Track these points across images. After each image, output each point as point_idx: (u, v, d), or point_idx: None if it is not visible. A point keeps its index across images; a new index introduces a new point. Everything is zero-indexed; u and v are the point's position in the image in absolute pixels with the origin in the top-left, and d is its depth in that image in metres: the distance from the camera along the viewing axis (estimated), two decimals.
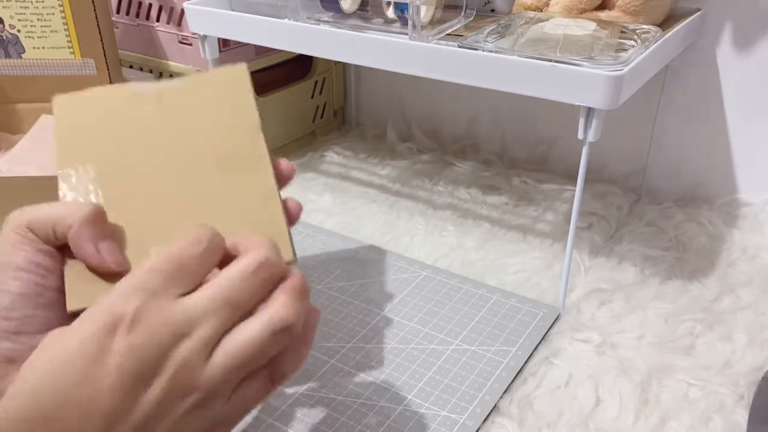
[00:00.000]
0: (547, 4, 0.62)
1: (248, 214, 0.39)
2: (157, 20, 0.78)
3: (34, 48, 0.76)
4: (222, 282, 0.32)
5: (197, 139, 0.43)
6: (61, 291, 0.39)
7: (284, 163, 0.41)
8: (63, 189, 0.45)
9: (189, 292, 0.32)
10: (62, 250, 0.40)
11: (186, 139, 0.43)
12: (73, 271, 0.39)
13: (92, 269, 0.39)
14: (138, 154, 0.43)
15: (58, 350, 0.30)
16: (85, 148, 0.44)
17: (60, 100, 0.46)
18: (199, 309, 0.31)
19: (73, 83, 0.78)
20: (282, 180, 0.41)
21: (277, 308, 0.32)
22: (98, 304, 0.31)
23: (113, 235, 0.40)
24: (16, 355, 0.37)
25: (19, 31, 0.75)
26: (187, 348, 0.30)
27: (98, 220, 0.40)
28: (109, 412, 0.29)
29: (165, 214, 0.41)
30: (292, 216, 0.40)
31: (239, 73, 0.44)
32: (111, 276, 0.38)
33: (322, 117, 0.91)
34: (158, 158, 0.43)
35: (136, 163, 0.43)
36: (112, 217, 0.41)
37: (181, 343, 0.30)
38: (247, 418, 0.45)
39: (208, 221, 0.38)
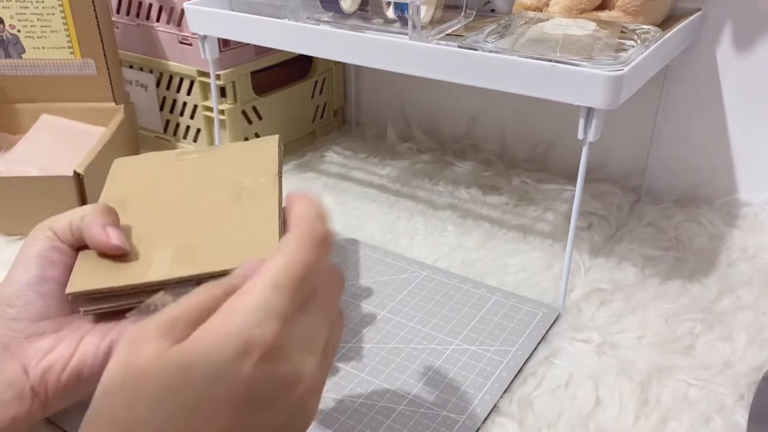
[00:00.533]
0: (547, 4, 0.62)
1: (249, 231, 0.44)
2: (157, 20, 0.78)
3: (34, 48, 0.76)
4: (328, 302, 0.33)
5: (221, 181, 0.49)
6: (63, 284, 0.41)
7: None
8: None
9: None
10: (79, 250, 0.43)
11: (211, 180, 0.49)
12: (84, 260, 0.43)
13: (102, 256, 0.42)
14: (167, 189, 0.49)
15: (176, 375, 0.27)
16: (125, 188, 0.50)
17: (117, 162, 0.54)
18: (318, 331, 0.31)
19: (73, 83, 0.78)
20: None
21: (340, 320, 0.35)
22: (223, 326, 0.28)
23: (127, 235, 0.43)
24: (10, 341, 0.40)
25: (19, 31, 0.75)
26: (313, 374, 0.30)
27: (108, 212, 0.43)
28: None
29: (177, 227, 0.45)
30: None
31: (272, 140, 0.52)
32: (117, 267, 0.42)
33: (322, 117, 0.91)
34: (184, 192, 0.49)
35: (164, 194, 0.49)
36: (133, 230, 0.45)
37: (309, 367, 0.30)
38: None
39: (213, 234, 0.44)
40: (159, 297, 0.39)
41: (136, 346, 0.28)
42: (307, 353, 0.30)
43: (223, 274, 0.37)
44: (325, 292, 0.32)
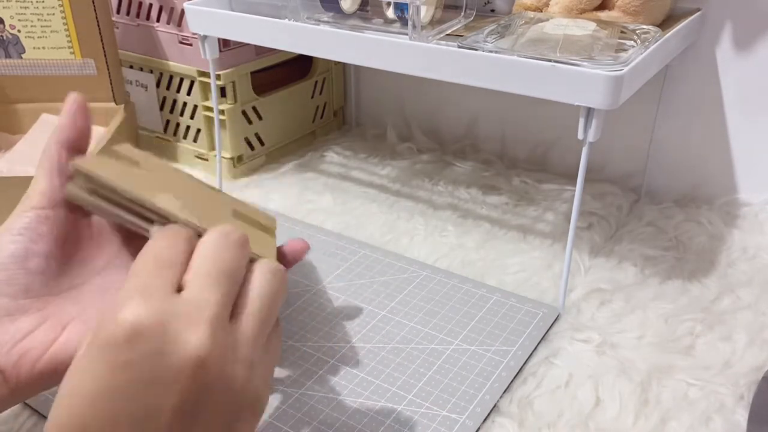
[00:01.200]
0: (547, 4, 0.62)
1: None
2: (157, 20, 0.78)
3: (34, 48, 0.76)
4: (257, 290, 0.32)
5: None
6: (51, 258, 0.38)
7: (298, 243, 0.41)
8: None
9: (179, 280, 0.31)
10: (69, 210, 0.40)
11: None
12: (104, 154, 0.40)
13: (119, 164, 0.39)
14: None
15: (73, 374, 0.29)
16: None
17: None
18: (199, 298, 0.30)
19: (73, 83, 0.78)
20: (291, 258, 0.41)
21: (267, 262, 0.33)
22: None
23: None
24: None
25: (19, 31, 0.75)
26: (202, 334, 0.29)
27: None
28: (140, 421, 0.28)
29: (177, 194, 0.39)
30: (296, 254, 0.40)
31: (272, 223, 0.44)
32: (130, 177, 0.38)
33: (322, 117, 0.91)
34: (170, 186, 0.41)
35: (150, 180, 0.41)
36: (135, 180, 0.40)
37: (195, 331, 0.29)
38: None
39: (216, 213, 0.39)
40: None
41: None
42: (191, 323, 0.29)
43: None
44: (210, 261, 0.32)
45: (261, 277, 0.32)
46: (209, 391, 0.29)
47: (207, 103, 0.77)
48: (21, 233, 0.38)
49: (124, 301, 0.28)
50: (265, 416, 0.46)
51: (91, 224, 0.41)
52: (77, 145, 0.41)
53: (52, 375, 0.37)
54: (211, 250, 0.32)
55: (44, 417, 0.46)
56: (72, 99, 0.41)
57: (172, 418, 0.28)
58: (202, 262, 0.31)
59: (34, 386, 0.37)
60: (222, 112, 0.76)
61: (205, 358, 0.29)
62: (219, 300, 0.30)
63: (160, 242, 0.31)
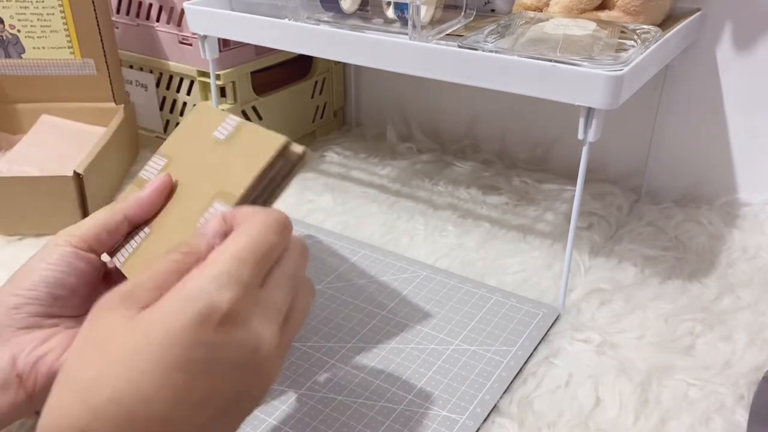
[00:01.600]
0: (547, 4, 0.62)
1: (240, 151, 0.46)
2: (157, 20, 0.78)
3: (34, 48, 0.76)
4: (289, 269, 0.34)
5: (192, 157, 0.48)
6: (78, 295, 0.42)
7: None
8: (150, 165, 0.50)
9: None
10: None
11: (185, 163, 0.48)
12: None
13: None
14: (187, 161, 0.49)
15: (138, 339, 0.28)
16: (171, 148, 0.50)
17: (200, 106, 0.52)
18: (278, 302, 0.33)
19: (73, 83, 0.78)
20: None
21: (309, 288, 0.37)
22: (183, 291, 0.29)
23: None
24: (3, 329, 0.40)
25: (19, 31, 0.75)
26: (274, 343, 0.31)
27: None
28: (201, 401, 0.29)
29: (191, 199, 0.45)
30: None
31: (204, 107, 0.51)
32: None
33: (322, 117, 0.91)
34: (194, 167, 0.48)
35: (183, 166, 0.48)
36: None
37: (270, 336, 0.31)
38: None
39: (216, 178, 0.44)
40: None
41: (101, 314, 0.30)
42: (267, 321, 0.31)
43: (252, 193, 0.42)
44: (288, 264, 0.34)
45: (305, 297, 0.36)
46: (258, 384, 0.31)
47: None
48: (55, 263, 0.42)
49: (220, 285, 0.30)
50: (265, 416, 0.46)
51: (110, 272, 0.46)
52: (137, 222, 0.45)
53: None
54: (293, 259, 0.34)
55: None
56: (163, 181, 0.45)
57: (225, 403, 0.30)
58: (285, 267, 0.34)
59: (44, 391, 0.38)
60: None
61: (269, 356, 0.31)
62: (285, 304, 0.33)
63: (260, 234, 0.33)
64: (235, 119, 0.50)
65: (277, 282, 0.33)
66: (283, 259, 0.34)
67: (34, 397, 0.39)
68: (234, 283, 0.30)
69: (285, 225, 0.34)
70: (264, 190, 0.44)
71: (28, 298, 0.41)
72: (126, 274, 0.44)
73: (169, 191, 0.46)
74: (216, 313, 0.29)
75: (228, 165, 0.46)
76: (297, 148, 0.45)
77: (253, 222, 0.33)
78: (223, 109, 0.52)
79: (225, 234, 0.34)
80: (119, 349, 0.28)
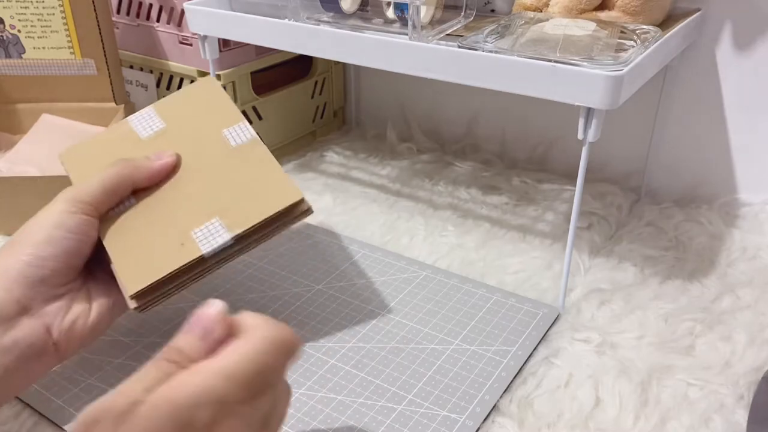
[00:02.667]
0: (546, 5, 0.62)
1: (258, 179, 0.48)
2: (158, 20, 0.78)
3: (34, 48, 0.76)
4: (282, 397, 0.36)
5: (195, 139, 0.50)
6: (87, 259, 0.46)
7: None
8: None
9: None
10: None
11: (186, 141, 0.50)
12: (120, 259, 0.46)
13: (134, 250, 0.46)
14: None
15: None
16: (170, 115, 0.53)
17: (67, 153, 0.54)
18: (262, 409, 0.33)
19: (73, 83, 0.78)
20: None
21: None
22: (168, 400, 0.30)
23: (140, 215, 0.48)
24: (31, 303, 0.43)
25: (19, 31, 0.75)
26: None
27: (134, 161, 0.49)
28: None
29: (184, 194, 0.48)
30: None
31: (210, 84, 0.54)
32: (155, 254, 0.46)
33: (322, 117, 0.91)
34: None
35: (184, 148, 0.51)
36: (141, 210, 0.48)
37: None
38: None
39: (225, 190, 0.47)
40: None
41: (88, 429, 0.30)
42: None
43: (254, 229, 0.45)
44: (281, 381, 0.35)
45: (285, 399, 0.36)
46: None
47: None
48: (74, 232, 0.44)
49: (201, 403, 0.30)
50: None
51: None
52: (138, 190, 0.49)
53: (92, 337, 0.46)
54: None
55: (45, 417, 0.46)
56: (173, 160, 0.49)
57: None
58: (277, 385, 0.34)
59: (76, 349, 0.45)
60: None
61: None
62: (267, 413, 0.33)
63: (258, 354, 0.32)
64: (250, 130, 0.51)
65: (265, 398, 0.33)
66: (274, 388, 0.34)
67: (64, 357, 0.44)
68: (215, 403, 0.30)
69: (289, 348, 0.33)
70: (263, 229, 0.46)
71: (52, 270, 0.43)
72: (104, 243, 0.46)
73: (173, 168, 0.49)
74: (190, 430, 0.29)
75: (236, 188, 0.48)
76: (305, 205, 0.47)
77: (255, 339, 0.32)
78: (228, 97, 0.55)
79: (226, 335, 0.33)
80: None
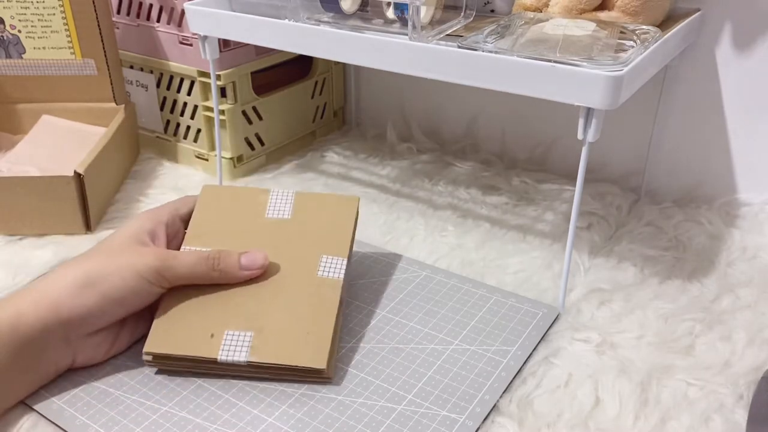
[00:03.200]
0: (546, 5, 0.62)
1: (307, 329, 0.49)
2: (158, 20, 0.78)
3: (34, 48, 0.76)
4: None
5: (298, 250, 0.53)
6: (135, 314, 0.51)
7: None
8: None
9: None
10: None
11: (290, 247, 0.54)
12: (160, 321, 0.49)
13: (177, 320, 0.49)
14: (248, 242, 0.54)
15: None
16: (210, 225, 0.55)
17: (206, 189, 0.57)
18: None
19: (73, 83, 0.78)
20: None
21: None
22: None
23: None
24: (72, 336, 0.47)
25: (19, 31, 0.75)
26: None
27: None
28: None
29: (248, 295, 0.51)
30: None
31: (351, 204, 0.57)
32: (190, 333, 0.49)
33: (322, 117, 0.91)
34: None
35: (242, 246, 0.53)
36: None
37: None
38: (247, 416, 0.45)
39: (278, 317, 0.50)
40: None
41: None
42: None
43: (268, 366, 0.47)
44: None
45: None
46: None
47: (207, 103, 0.77)
48: (145, 301, 0.49)
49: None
50: (265, 416, 0.46)
51: None
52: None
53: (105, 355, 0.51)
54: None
55: (44, 417, 0.46)
56: (259, 271, 0.52)
57: None
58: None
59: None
60: (222, 112, 0.76)
61: None
62: None
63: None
64: (342, 269, 0.53)
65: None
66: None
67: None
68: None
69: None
70: (277, 371, 0.48)
71: (108, 321, 0.48)
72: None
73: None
74: None
75: (284, 318, 0.50)
76: (324, 373, 0.48)
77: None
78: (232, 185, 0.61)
79: None
80: None
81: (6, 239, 0.66)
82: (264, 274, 0.52)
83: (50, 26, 0.75)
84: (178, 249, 0.53)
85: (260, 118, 0.81)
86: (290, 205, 0.56)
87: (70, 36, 0.75)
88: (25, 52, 0.76)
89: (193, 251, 0.51)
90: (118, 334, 0.50)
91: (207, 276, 0.50)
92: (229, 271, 0.50)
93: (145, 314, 0.51)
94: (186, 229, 0.55)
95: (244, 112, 0.79)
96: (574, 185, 0.52)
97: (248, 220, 0.55)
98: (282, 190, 0.57)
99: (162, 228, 0.53)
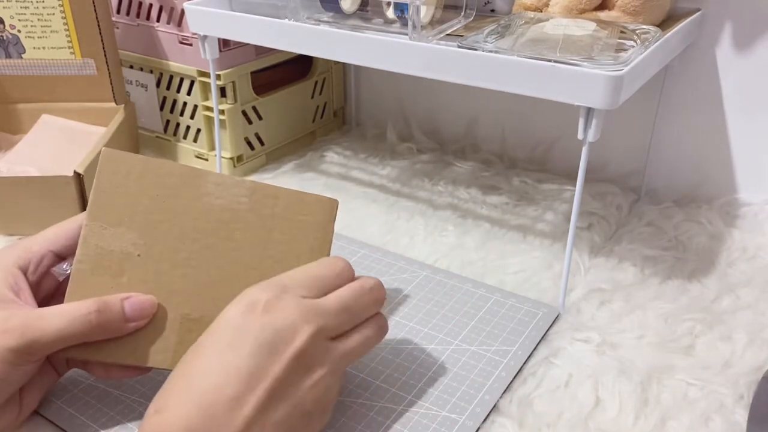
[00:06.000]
0: (546, 4, 0.62)
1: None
2: (158, 20, 0.78)
3: (34, 48, 0.76)
4: (344, 292, 0.41)
5: (256, 246, 0.45)
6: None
7: None
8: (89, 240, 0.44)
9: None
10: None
11: (245, 242, 0.44)
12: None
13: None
14: (184, 226, 0.44)
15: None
16: (127, 203, 0.44)
17: (106, 155, 0.44)
18: (323, 307, 0.40)
19: (73, 83, 0.78)
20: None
21: (381, 322, 0.44)
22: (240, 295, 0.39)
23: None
24: None
25: (19, 31, 0.75)
26: (311, 331, 0.38)
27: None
28: (246, 376, 0.36)
29: (188, 283, 0.44)
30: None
31: (328, 207, 0.46)
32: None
33: (322, 117, 0.91)
34: (204, 235, 0.44)
35: (177, 231, 0.44)
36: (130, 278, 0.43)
37: (307, 326, 0.38)
38: None
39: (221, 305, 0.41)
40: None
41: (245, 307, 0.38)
42: (306, 321, 0.39)
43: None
44: (345, 291, 0.42)
45: (370, 327, 0.43)
46: (304, 381, 0.38)
47: (207, 103, 0.77)
48: (16, 383, 0.42)
49: (264, 288, 0.40)
50: None
51: None
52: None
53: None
54: (352, 288, 0.42)
55: (44, 417, 0.46)
56: (144, 321, 0.43)
57: (277, 386, 0.37)
58: (341, 292, 0.42)
59: None
60: (222, 112, 0.76)
61: (306, 349, 0.38)
62: (337, 319, 0.40)
63: (320, 269, 0.42)
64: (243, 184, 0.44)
65: (328, 299, 0.40)
66: (342, 288, 0.41)
67: None
68: (274, 287, 0.39)
69: (343, 267, 0.43)
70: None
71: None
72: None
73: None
74: (258, 305, 0.38)
75: (285, 239, 0.44)
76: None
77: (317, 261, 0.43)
78: (142, 156, 0.45)
79: None
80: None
81: (6, 239, 0.66)
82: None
83: (50, 26, 0.75)
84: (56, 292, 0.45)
85: (260, 117, 0.81)
86: (244, 197, 0.45)
87: (69, 36, 0.75)
88: (24, 52, 0.76)
89: (65, 307, 0.40)
90: (22, 400, 0.43)
91: (87, 336, 0.40)
92: (112, 328, 0.41)
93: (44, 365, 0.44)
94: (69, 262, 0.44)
95: (244, 112, 0.79)
96: (574, 185, 0.52)
97: (180, 206, 0.44)
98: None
99: (21, 278, 0.43)
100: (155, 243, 0.43)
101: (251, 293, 0.39)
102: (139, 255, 0.43)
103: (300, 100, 0.86)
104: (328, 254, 0.46)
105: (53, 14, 0.74)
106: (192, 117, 0.81)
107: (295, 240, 0.45)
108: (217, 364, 0.36)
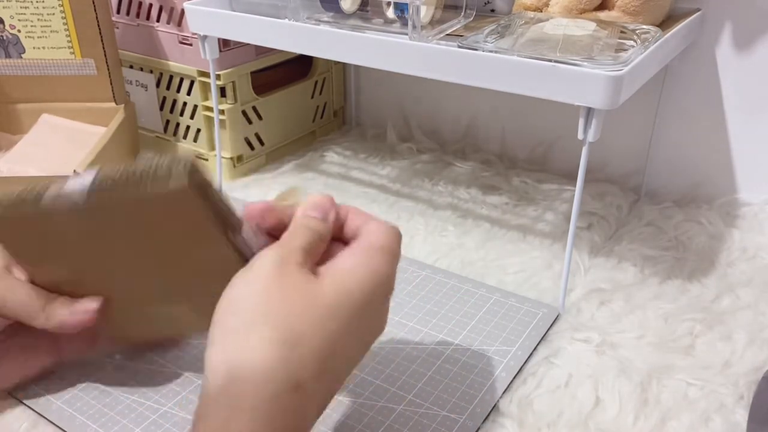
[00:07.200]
0: (546, 4, 0.62)
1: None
2: (158, 20, 0.78)
3: (34, 48, 0.76)
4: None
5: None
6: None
7: None
8: None
9: None
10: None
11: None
12: None
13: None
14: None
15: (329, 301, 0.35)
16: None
17: None
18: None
19: (73, 83, 0.78)
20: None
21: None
22: (348, 267, 0.37)
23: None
24: None
25: (19, 31, 0.75)
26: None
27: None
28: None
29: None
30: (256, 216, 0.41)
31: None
32: None
33: (322, 117, 0.91)
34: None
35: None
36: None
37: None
38: None
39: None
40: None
41: (287, 271, 0.35)
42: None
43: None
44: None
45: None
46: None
47: (207, 103, 0.77)
48: None
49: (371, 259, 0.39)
50: None
51: None
52: None
53: None
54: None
55: (43, 417, 0.46)
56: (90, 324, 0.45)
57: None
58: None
59: None
60: (222, 112, 0.76)
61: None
62: None
63: (384, 234, 0.41)
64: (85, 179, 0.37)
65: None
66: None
67: None
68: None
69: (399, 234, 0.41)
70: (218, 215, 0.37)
71: None
72: None
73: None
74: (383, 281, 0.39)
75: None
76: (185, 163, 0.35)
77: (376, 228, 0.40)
78: None
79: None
80: (318, 309, 0.34)
81: None
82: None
83: (50, 26, 0.75)
84: None
85: (260, 117, 0.81)
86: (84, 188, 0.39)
87: (69, 36, 0.75)
88: (24, 52, 0.76)
89: (28, 294, 0.42)
90: None
91: (33, 321, 0.42)
92: (56, 322, 0.43)
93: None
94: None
95: (243, 112, 0.79)
96: (574, 185, 0.52)
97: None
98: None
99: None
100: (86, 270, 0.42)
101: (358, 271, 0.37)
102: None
103: (300, 100, 0.86)
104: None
105: (53, 14, 0.74)
106: (192, 117, 0.81)
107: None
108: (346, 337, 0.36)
